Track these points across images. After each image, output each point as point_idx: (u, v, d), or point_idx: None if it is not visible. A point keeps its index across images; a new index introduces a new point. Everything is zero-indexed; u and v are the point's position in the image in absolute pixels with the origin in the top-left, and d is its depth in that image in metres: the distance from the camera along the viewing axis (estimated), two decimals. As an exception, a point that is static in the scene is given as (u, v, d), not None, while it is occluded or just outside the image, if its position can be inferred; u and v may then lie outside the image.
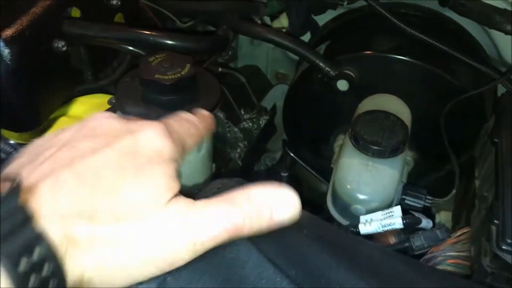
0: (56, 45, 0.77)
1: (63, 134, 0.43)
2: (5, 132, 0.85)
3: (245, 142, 1.04)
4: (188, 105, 0.71)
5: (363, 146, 0.72)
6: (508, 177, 0.65)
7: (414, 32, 0.83)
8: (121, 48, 0.85)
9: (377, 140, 0.72)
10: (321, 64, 0.86)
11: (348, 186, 0.72)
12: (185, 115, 0.52)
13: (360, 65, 0.87)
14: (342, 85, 0.88)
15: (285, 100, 1.01)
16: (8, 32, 0.70)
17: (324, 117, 0.98)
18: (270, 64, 1.26)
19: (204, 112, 0.57)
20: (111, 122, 0.43)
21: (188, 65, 0.70)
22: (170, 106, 0.70)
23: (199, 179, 0.79)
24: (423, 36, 0.83)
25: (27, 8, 0.73)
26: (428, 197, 0.79)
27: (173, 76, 0.68)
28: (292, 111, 1.01)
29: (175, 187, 0.40)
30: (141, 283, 0.36)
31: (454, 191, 0.80)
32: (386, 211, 0.68)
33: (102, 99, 0.85)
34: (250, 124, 1.08)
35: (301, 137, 1.05)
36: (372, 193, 0.71)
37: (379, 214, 0.68)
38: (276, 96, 1.26)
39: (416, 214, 0.70)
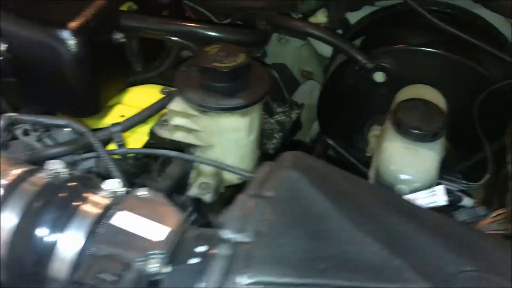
0: (115, 36, 0.82)
1: None
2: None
3: (280, 134, 1.09)
4: (241, 92, 0.76)
5: (405, 131, 0.77)
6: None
7: (447, 27, 0.89)
8: (171, 40, 0.91)
9: (418, 126, 0.77)
10: (359, 56, 0.92)
11: (392, 167, 0.77)
12: None
13: (395, 58, 0.92)
14: (379, 76, 0.93)
15: (321, 92, 1.06)
16: (74, 23, 0.76)
17: (358, 109, 1.03)
18: (297, 62, 1.30)
19: None
20: None
21: (243, 55, 0.75)
22: (226, 92, 0.75)
23: (249, 162, 0.85)
24: (455, 31, 0.89)
25: (90, 1, 0.79)
26: (463, 182, 0.83)
27: (229, 64, 0.73)
28: (328, 103, 1.06)
29: None
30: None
31: (488, 175, 0.84)
32: (429, 190, 0.73)
33: (153, 89, 0.90)
34: (283, 117, 1.13)
35: (334, 128, 1.10)
36: (415, 173, 0.76)
37: (422, 193, 0.73)
38: (304, 93, 1.32)
39: (457, 193, 0.74)
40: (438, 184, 0.82)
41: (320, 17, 1.03)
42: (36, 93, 0.81)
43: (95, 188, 0.57)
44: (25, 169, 0.57)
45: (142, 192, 0.55)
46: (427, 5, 0.96)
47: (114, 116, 0.84)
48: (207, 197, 0.81)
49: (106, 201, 0.55)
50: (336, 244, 0.43)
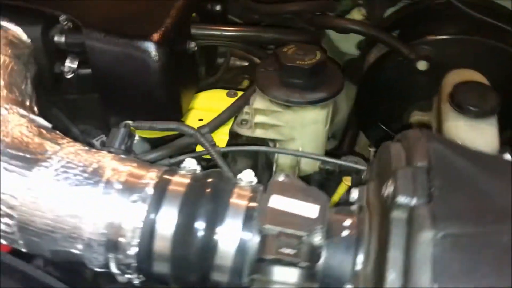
0: (189, 46, 0.87)
1: None
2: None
3: None
4: (320, 86, 0.83)
5: (466, 109, 0.85)
6: None
7: (478, 15, 0.98)
8: (233, 45, 0.96)
9: (477, 104, 0.86)
10: (403, 48, 1.00)
11: (459, 142, 0.85)
12: None
13: (435, 47, 1.01)
14: (422, 65, 1.01)
15: (360, 85, 1.14)
16: (157, 35, 0.80)
17: (398, 97, 1.11)
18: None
19: None
20: None
21: (318, 52, 0.82)
22: (307, 88, 0.81)
23: (322, 151, 0.91)
24: (486, 18, 0.98)
25: (167, 12, 0.83)
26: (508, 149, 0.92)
27: (311, 62, 0.80)
28: (367, 95, 1.14)
29: None
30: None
31: (532, 145, 0.93)
32: (498, 160, 0.81)
33: (219, 93, 0.95)
34: None
35: (373, 118, 1.18)
36: (482, 146, 0.84)
37: (492, 163, 0.81)
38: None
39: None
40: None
41: (356, 16, 1.10)
42: (122, 106, 0.84)
43: (231, 180, 0.62)
44: (160, 170, 0.62)
45: (282, 178, 0.61)
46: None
47: (193, 120, 0.89)
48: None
49: (249, 192, 0.60)
50: (492, 199, 0.50)
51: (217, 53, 1.05)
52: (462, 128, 0.86)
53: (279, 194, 0.58)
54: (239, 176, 0.62)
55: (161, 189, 0.58)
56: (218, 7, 0.98)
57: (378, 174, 0.63)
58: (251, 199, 0.59)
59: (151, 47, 0.79)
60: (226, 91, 0.94)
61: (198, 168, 0.63)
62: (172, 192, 0.58)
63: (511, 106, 0.98)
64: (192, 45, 0.87)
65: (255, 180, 0.62)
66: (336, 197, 0.95)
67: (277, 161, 0.88)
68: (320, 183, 1.01)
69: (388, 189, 0.51)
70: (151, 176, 0.60)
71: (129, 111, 0.85)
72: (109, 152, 0.62)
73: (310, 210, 0.57)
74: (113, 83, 0.82)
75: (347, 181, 0.91)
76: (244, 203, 0.58)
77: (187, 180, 0.60)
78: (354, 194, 0.64)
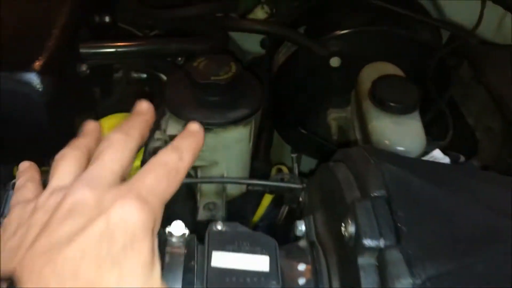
0: (80, 69, 0.74)
1: (38, 213, 0.42)
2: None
3: None
4: (241, 101, 0.74)
5: (389, 107, 0.82)
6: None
7: (386, 5, 0.95)
8: (132, 61, 0.84)
9: (399, 99, 0.82)
10: (314, 46, 0.94)
11: (387, 142, 0.81)
12: (163, 158, 0.46)
13: (345, 42, 0.96)
14: (334, 61, 0.97)
15: (270, 87, 1.07)
16: (38, 63, 0.66)
17: (312, 96, 1.06)
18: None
19: (193, 129, 0.54)
20: (86, 198, 0.40)
21: (233, 63, 0.73)
22: (227, 105, 0.73)
23: (248, 169, 0.83)
24: (392, 7, 0.96)
25: (48, 32, 0.70)
26: (433, 141, 0.91)
27: (227, 76, 0.71)
28: (279, 97, 1.08)
29: (154, 267, 0.40)
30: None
31: (451, 131, 0.93)
32: (427, 156, 0.79)
33: (119, 118, 0.83)
34: None
35: (287, 120, 1.12)
36: (409, 143, 0.81)
37: (422, 161, 0.78)
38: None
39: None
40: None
41: (259, 14, 1.03)
42: (8, 149, 0.69)
43: (160, 236, 0.52)
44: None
45: (220, 227, 0.52)
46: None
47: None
48: (219, 217, 0.78)
49: (183, 249, 0.51)
50: (458, 222, 0.45)
51: (112, 68, 0.92)
52: (388, 127, 0.83)
53: (221, 249, 0.49)
54: (168, 229, 0.52)
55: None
56: (107, 19, 0.85)
57: (324, 201, 0.56)
58: (188, 258, 0.49)
59: (33, 78, 0.65)
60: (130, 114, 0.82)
61: (187, 232, 0.52)
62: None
63: (426, 97, 0.97)
64: (83, 68, 0.74)
65: (186, 231, 0.52)
66: (260, 211, 0.89)
67: (201, 190, 0.79)
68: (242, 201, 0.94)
69: (349, 229, 0.44)
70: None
71: (20, 153, 0.71)
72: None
73: (259, 263, 0.48)
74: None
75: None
76: (180, 264, 0.49)
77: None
78: (301, 226, 0.57)
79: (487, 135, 0.87)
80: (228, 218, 0.81)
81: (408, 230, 0.43)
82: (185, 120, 0.71)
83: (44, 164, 0.72)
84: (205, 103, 0.71)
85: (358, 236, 0.43)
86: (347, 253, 0.45)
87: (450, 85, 1.02)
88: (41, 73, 0.66)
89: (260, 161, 1.23)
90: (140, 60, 0.83)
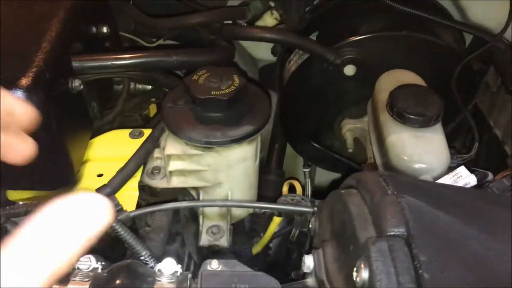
0: (72, 85, 0.69)
1: None
2: (11, 193, 0.74)
3: None
4: (245, 117, 0.68)
5: (408, 119, 0.75)
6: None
7: (400, 7, 0.88)
8: (129, 75, 0.79)
9: (420, 111, 0.75)
10: (327, 54, 0.88)
11: (406, 158, 0.74)
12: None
13: (361, 48, 0.90)
14: (349, 70, 0.90)
15: (281, 96, 1.01)
16: (25, 80, 0.61)
17: (326, 106, 0.99)
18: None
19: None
20: None
21: (236, 76, 0.67)
22: (230, 121, 0.67)
23: (255, 189, 0.77)
24: (411, 10, 0.89)
25: (37, 45, 0.65)
26: (457, 155, 0.84)
27: (228, 90, 0.65)
28: (290, 106, 1.02)
29: None
30: None
31: (477, 143, 0.86)
32: (452, 174, 0.72)
33: (118, 135, 0.78)
34: None
35: (299, 131, 1.06)
36: (432, 160, 0.74)
37: (447, 179, 0.71)
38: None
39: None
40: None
41: (268, 20, 0.97)
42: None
43: (148, 276, 0.47)
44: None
45: (214, 265, 0.46)
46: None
47: (90, 177, 0.71)
48: (223, 241, 0.72)
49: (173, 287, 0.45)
50: (491, 266, 0.38)
51: (112, 81, 0.87)
52: (407, 141, 0.76)
53: (216, 290, 0.43)
54: (158, 267, 0.47)
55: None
56: (105, 29, 0.80)
57: (335, 233, 0.50)
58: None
59: (20, 96, 0.60)
60: (129, 130, 0.77)
61: (179, 270, 0.47)
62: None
63: (447, 103, 0.90)
64: (77, 83, 0.69)
65: (179, 269, 0.47)
66: (268, 233, 0.82)
67: (204, 212, 0.73)
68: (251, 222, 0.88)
69: (362, 274, 0.38)
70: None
71: (9, 178, 0.66)
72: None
73: (259, 308, 0.42)
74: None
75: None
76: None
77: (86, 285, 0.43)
78: (309, 262, 0.51)
79: (518, 148, 0.79)
80: (235, 239, 0.76)
81: (431, 277, 0.37)
82: (184, 139, 0.65)
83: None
84: (206, 120, 0.66)
85: (372, 284, 0.37)
86: (360, 302, 0.39)
87: (475, 93, 0.94)
88: (28, 90, 0.61)
89: (273, 173, 1.18)
90: (140, 74, 0.77)
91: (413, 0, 0.98)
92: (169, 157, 0.67)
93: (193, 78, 0.67)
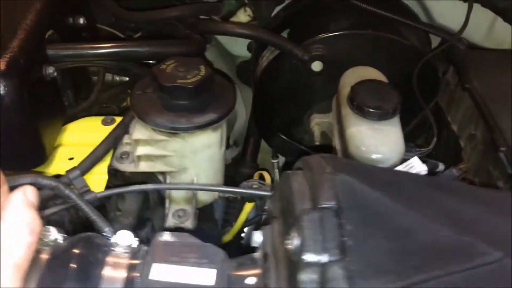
0: (46, 72, 0.72)
1: None
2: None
3: None
4: (210, 105, 0.72)
5: (367, 112, 0.79)
6: (495, 110, 0.77)
7: (367, 6, 0.93)
8: (107, 65, 0.82)
9: (378, 105, 0.80)
10: (295, 50, 0.92)
11: (364, 149, 0.78)
12: None
13: (328, 45, 0.94)
14: (316, 66, 0.94)
15: (254, 91, 1.05)
16: (1, 65, 0.65)
17: (296, 101, 1.03)
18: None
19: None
20: None
21: (202, 66, 0.71)
22: (194, 109, 0.70)
23: (221, 176, 0.80)
24: (375, 9, 0.93)
25: (13, 33, 0.68)
26: (416, 149, 0.88)
27: (194, 79, 0.69)
28: (263, 100, 1.05)
29: None
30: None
31: (435, 138, 0.90)
32: (405, 164, 0.76)
33: (92, 122, 0.81)
34: None
35: (272, 126, 1.10)
36: (387, 151, 0.78)
37: (400, 168, 0.75)
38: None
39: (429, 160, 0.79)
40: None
41: (242, 17, 1.01)
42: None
43: (104, 246, 0.50)
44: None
45: (166, 237, 0.50)
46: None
47: (61, 160, 0.75)
48: (188, 224, 0.76)
49: (127, 259, 0.48)
50: (413, 237, 0.43)
51: (88, 71, 0.90)
52: (365, 133, 0.80)
53: (163, 261, 0.46)
54: (113, 239, 0.50)
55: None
56: (81, 20, 0.84)
57: (282, 212, 0.54)
58: (131, 269, 0.47)
59: (-6, 80, 0.64)
60: (102, 118, 0.80)
61: (134, 242, 0.50)
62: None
63: (410, 100, 0.95)
64: (50, 70, 0.72)
65: (134, 242, 0.50)
66: (239, 221, 0.86)
67: (170, 196, 0.76)
68: (224, 207, 0.92)
69: (294, 242, 0.42)
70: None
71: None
72: None
73: (205, 276, 0.46)
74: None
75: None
76: (121, 275, 0.47)
77: (45, 256, 0.47)
78: (257, 237, 0.55)
79: (470, 142, 0.83)
80: (202, 225, 0.79)
81: (355, 244, 0.41)
82: (151, 124, 0.69)
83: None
84: (172, 107, 0.69)
85: (301, 250, 0.41)
86: (292, 267, 0.43)
87: (437, 91, 0.99)
88: (3, 75, 0.64)
89: (247, 166, 1.22)
90: (113, 64, 0.81)
91: (381, 1, 1.03)
92: (137, 142, 0.71)
93: (161, 67, 0.70)
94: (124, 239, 0.50)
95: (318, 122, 1.03)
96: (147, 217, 0.81)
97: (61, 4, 0.79)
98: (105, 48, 0.77)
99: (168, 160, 0.73)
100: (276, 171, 1.02)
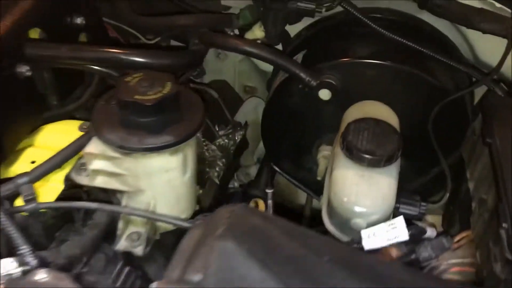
0: (19, 70, 0.71)
1: None
2: None
3: (223, 160, 0.99)
4: (171, 127, 0.66)
5: (357, 156, 0.69)
6: (509, 178, 0.64)
7: (393, 36, 0.82)
8: (89, 69, 0.79)
9: (371, 149, 0.69)
10: (301, 74, 0.83)
11: (345, 199, 0.69)
12: None
13: (341, 73, 0.84)
14: (325, 94, 0.85)
15: (264, 112, 0.98)
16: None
17: (305, 128, 0.95)
18: (238, 77, 1.22)
19: None
20: None
21: (169, 83, 0.65)
22: (152, 129, 0.65)
23: (185, 202, 0.74)
24: (402, 39, 0.82)
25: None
26: (422, 203, 0.76)
27: (154, 96, 0.63)
28: (272, 123, 0.98)
29: None
30: None
31: (447, 194, 0.78)
32: (388, 223, 0.65)
33: (69, 126, 0.78)
34: (226, 140, 1.04)
35: (281, 150, 1.02)
36: (372, 205, 0.68)
37: (382, 227, 0.65)
38: (248, 110, 1.23)
39: (419, 224, 0.67)
40: (397, 208, 0.76)
41: (258, 32, 0.94)
42: None
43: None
44: None
45: (41, 276, 0.45)
46: (369, 13, 0.89)
47: (24, 162, 0.72)
48: (139, 250, 0.70)
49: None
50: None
51: (83, 75, 0.87)
52: (352, 180, 0.70)
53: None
54: None
55: None
56: (79, 20, 0.81)
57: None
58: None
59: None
60: (80, 122, 0.77)
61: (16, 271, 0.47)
62: None
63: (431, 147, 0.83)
64: (23, 69, 0.70)
65: (16, 270, 0.46)
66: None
67: (125, 217, 0.71)
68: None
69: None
70: None
71: None
72: None
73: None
74: None
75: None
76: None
77: None
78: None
79: (479, 207, 0.70)
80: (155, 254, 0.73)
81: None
82: (102, 139, 0.64)
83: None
84: (129, 124, 0.64)
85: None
86: None
87: (462, 140, 0.85)
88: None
89: (259, 188, 1.14)
90: (97, 69, 0.77)
91: (416, 30, 0.91)
92: (89, 155, 0.67)
93: (126, 79, 0.66)
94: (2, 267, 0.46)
95: (325, 155, 0.93)
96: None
97: (54, 3, 0.77)
98: (84, 52, 0.74)
99: (123, 179, 0.68)
100: (270, 201, 0.94)
